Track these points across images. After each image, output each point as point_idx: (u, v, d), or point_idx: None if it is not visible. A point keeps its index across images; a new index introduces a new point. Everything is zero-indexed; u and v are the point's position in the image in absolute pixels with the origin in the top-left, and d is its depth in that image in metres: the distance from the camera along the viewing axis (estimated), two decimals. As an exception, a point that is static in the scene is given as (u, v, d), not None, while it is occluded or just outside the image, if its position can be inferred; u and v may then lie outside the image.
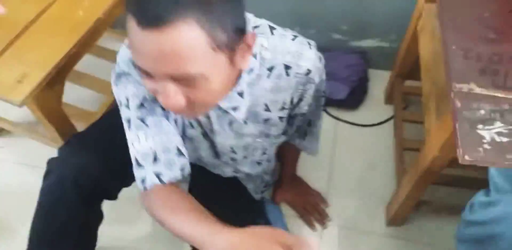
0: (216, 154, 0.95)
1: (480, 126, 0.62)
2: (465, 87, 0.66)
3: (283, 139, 0.99)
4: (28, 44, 1.06)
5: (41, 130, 1.31)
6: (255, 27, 0.77)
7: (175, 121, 0.83)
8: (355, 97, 1.48)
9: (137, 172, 0.79)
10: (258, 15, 0.80)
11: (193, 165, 0.86)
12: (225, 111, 0.78)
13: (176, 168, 0.78)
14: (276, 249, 0.59)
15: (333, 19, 1.47)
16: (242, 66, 0.68)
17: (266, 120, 0.85)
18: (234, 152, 0.93)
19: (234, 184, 1.09)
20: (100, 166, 0.90)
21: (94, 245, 1.03)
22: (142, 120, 0.78)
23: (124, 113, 0.80)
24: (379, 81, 1.54)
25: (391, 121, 1.46)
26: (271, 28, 0.77)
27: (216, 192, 1.03)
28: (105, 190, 0.96)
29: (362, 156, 1.41)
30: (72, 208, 0.93)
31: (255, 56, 0.74)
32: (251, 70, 0.75)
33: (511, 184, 0.71)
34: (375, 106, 1.51)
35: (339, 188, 1.35)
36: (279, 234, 0.62)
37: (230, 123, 0.83)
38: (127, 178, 0.94)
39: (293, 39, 0.77)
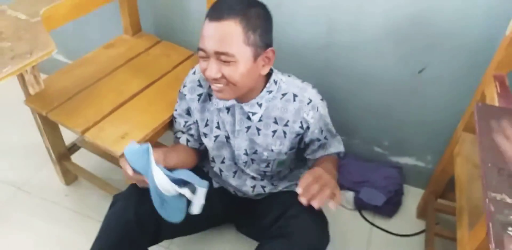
0: (233, 157, 1.21)
1: (510, 228, 0.75)
2: (498, 196, 0.80)
3: (283, 157, 1.20)
4: (133, 109, 1.29)
5: (115, 184, 1.46)
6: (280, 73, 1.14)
7: (206, 123, 1.19)
8: (390, 207, 1.58)
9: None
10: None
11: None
12: (248, 117, 1.12)
13: (183, 141, 1.25)
14: None
15: (377, 134, 1.62)
16: (262, 72, 1.03)
17: (274, 132, 1.14)
18: (246, 154, 1.19)
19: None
20: None
21: None
22: (177, 112, 1.24)
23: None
24: (413, 196, 1.66)
25: (422, 235, 1.53)
26: (290, 76, 1.16)
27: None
28: (159, 225, 1.13)
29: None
30: (128, 228, 1.10)
31: (276, 82, 1.10)
32: (271, 91, 1.10)
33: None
34: (407, 219, 1.60)
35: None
36: None
37: (248, 128, 1.14)
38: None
39: (301, 82, 1.15)
